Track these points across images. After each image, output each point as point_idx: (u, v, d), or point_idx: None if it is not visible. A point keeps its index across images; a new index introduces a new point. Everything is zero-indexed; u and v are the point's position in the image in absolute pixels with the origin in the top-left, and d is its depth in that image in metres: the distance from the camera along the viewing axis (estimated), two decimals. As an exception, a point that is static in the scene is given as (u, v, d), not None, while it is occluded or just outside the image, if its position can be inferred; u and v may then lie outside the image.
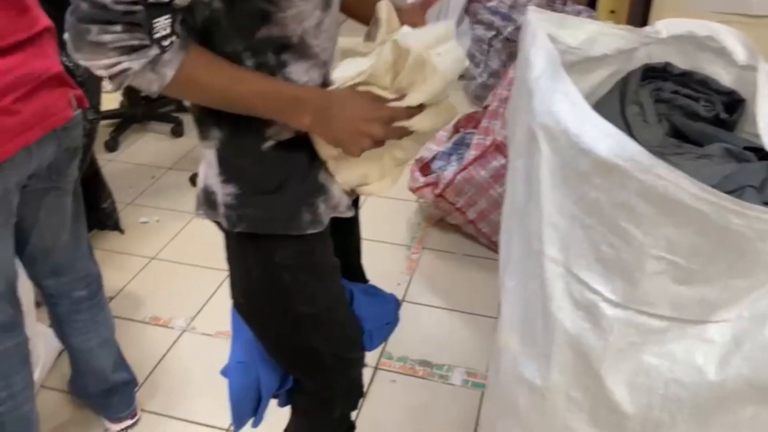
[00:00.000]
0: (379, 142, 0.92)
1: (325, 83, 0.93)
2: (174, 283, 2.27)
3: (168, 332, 2.04)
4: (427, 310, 2.12)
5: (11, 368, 1.38)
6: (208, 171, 0.95)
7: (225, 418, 1.72)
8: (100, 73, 0.78)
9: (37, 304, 1.75)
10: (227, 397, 1.21)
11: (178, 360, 1.94)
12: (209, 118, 0.92)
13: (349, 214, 1.02)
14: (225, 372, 1.25)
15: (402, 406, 1.77)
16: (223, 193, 0.94)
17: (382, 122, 0.90)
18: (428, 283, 2.24)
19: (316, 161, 0.95)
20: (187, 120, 3.30)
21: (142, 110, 3.29)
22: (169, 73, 0.80)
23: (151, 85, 0.80)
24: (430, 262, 2.35)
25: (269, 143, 0.92)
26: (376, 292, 1.24)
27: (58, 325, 1.55)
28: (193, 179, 2.80)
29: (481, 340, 1.98)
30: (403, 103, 0.90)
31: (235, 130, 0.91)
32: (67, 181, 1.39)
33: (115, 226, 2.15)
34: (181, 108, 3.38)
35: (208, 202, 0.97)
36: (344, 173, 0.97)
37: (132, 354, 1.74)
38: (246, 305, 1.06)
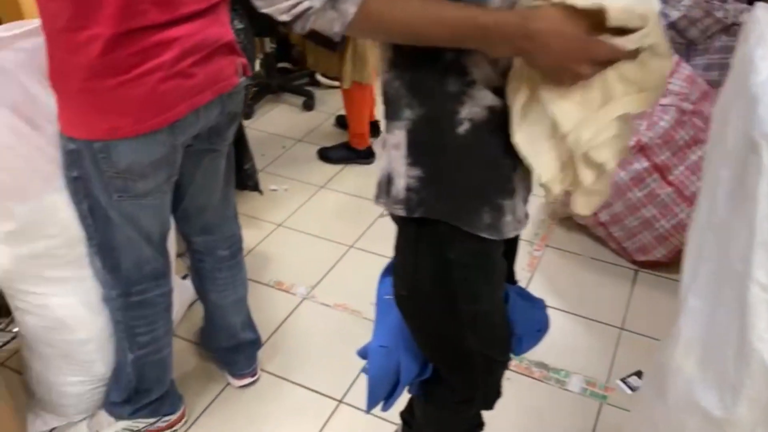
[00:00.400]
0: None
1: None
2: (297, 251, 2.34)
3: (289, 298, 2.11)
4: (548, 311, 2.05)
5: (157, 315, 1.48)
6: (394, 154, 0.93)
7: (338, 389, 1.77)
8: (282, 18, 0.78)
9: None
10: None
11: (298, 326, 2.00)
12: (403, 98, 0.90)
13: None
14: (364, 353, 1.26)
15: (515, 406, 1.72)
16: (407, 175, 0.91)
17: (594, 62, 0.78)
18: (549, 283, 2.17)
19: (510, 158, 0.90)
20: (320, 94, 3.38)
21: (278, 82, 3.40)
22: (350, 9, 0.78)
23: (333, 24, 0.79)
24: (553, 261, 2.27)
25: (464, 126, 0.89)
26: (529, 296, 1.21)
27: (200, 280, 1.64)
28: (321, 153, 2.87)
29: (604, 349, 1.90)
30: (628, 42, 0.76)
31: (429, 110, 0.89)
32: (224, 144, 1.45)
33: (255, 187, 2.26)
34: (314, 82, 3.46)
35: (388, 190, 0.95)
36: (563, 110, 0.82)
37: (255, 315, 1.81)
38: (408, 298, 1.04)
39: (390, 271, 1.21)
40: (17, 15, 1.94)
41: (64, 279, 1.47)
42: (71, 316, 1.52)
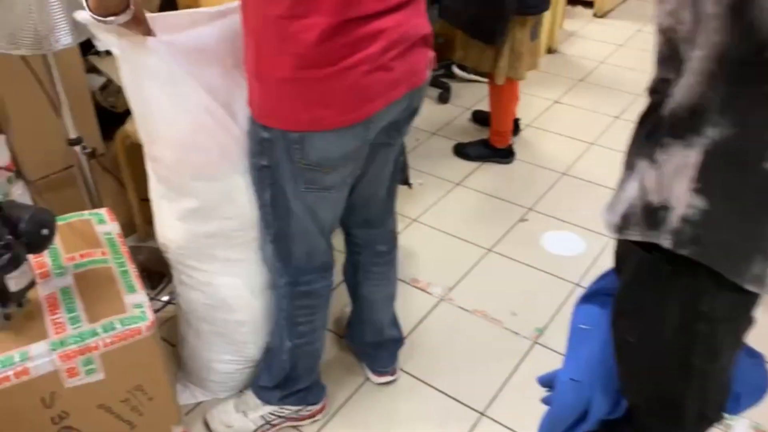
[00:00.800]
0: None
1: None
2: (433, 249, 2.29)
3: (426, 297, 2.06)
4: None
5: (319, 306, 1.47)
6: (670, 175, 0.82)
7: (480, 401, 1.71)
8: None
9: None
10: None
11: (436, 327, 1.95)
12: (710, 113, 0.77)
13: None
14: (547, 382, 1.19)
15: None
16: (688, 204, 0.81)
17: None
18: None
19: None
20: (456, 87, 3.31)
21: (413, 71, 3.35)
22: None
23: None
24: None
25: None
26: (752, 351, 1.10)
27: (353, 272, 1.61)
28: (457, 148, 2.80)
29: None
30: None
31: (739, 134, 0.77)
32: (400, 139, 1.41)
33: (405, 181, 2.23)
34: (450, 74, 3.38)
35: (648, 220, 0.85)
36: None
37: (394, 311, 1.78)
38: (637, 345, 0.94)
39: (589, 298, 1.13)
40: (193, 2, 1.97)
41: (233, 260, 1.49)
42: (234, 297, 1.53)
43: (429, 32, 1.26)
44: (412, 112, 1.35)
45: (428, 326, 1.96)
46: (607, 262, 2.18)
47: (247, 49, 1.19)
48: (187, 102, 1.28)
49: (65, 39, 1.49)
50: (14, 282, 1.18)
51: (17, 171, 1.90)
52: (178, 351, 1.74)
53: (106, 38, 1.20)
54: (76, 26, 1.46)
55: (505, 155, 2.72)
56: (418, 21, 1.23)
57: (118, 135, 2.02)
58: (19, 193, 1.93)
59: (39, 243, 1.31)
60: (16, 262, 1.18)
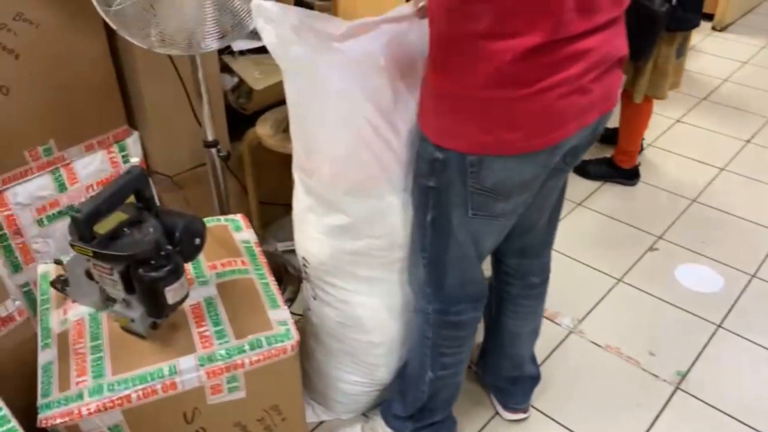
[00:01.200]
0: None
1: None
2: (557, 275, 2.12)
3: (554, 328, 1.93)
4: None
5: (466, 338, 1.38)
6: None
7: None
8: None
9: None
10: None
11: (566, 362, 1.82)
12: None
13: None
14: None
15: None
16: None
17: None
18: None
19: None
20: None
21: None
22: None
23: None
24: None
25: None
26: None
27: (498, 303, 1.51)
28: (577, 167, 2.64)
29: None
30: None
31: None
32: (573, 166, 1.29)
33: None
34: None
35: None
36: None
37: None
38: None
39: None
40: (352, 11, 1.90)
41: (374, 279, 1.41)
42: (370, 317, 1.46)
43: (626, 54, 1.14)
44: (593, 138, 1.24)
45: (558, 360, 1.83)
46: (749, 303, 2.02)
47: (432, 63, 1.10)
48: (352, 115, 1.20)
49: (213, 44, 1.46)
50: (172, 294, 1.14)
51: (148, 168, 1.89)
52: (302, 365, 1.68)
53: (280, 48, 1.15)
54: (228, 31, 1.43)
55: (630, 176, 2.56)
56: (619, 41, 1.11)
57: (246, 137, 1.99)
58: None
59: (191, 253, 1.27)
60: (176, 274, 1.13)
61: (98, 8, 1.31)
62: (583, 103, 1.07)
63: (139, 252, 1.09)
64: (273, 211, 2.28)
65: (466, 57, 1.02)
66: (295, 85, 1.20)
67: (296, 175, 1.39)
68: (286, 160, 1.79)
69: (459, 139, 1.10)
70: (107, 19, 1.33)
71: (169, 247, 1.16)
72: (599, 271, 2.14)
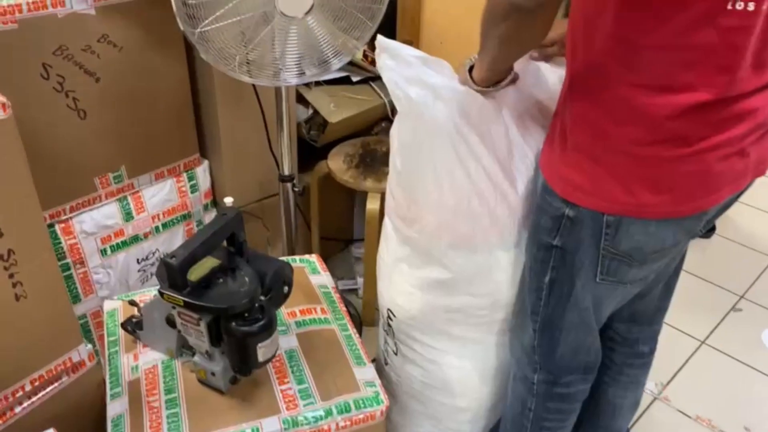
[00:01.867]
0: None
1: None
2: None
3: (637, 392, 1.79)
4: None
5: (571, 411, 1.25)
6: None
7: None
8: None
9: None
10: None
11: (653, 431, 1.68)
12: None
13: None
14: None
15: None
16: None
17: None
18: None
19: None
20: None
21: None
22: None
23: None
24: None
25: None
26: None
27: (600, 371, 1.37)
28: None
29: None
30: None
31: None
32: (705, 228, 1.17)
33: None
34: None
35: None
36: None
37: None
38: None
39: None
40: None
41: (468, 340, 1.29)
42: (459, 381, 1.34)
43: None
44: (725, 206, 1.12)
45: (644, 429, 1.68)
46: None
47: (568, 111, 0.99)
48: (467, 163, 1.10)
49: (293, 79, 1.39)
50: (263, 351, 1.03)
51: (213, 200, 1.80)
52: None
53: (400, 88, 1.05)
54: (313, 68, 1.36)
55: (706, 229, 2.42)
56: None
57: (316, 170, 1.90)
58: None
59: (279, 301, 1.17)
60: (269, 330, 1.02)
61: (182, 27, 1.23)
62: (740, 166, 0.95)
63: (237, 305, 0.99)
64: (331, 247, 2.18)
65: (617, 108, 0.92)
66: (410, 126, 1.10)
67: (391, 223, 1.28)
68: (349, 195, 1.70)
69: (595, 197, 0.98)
70: (192, 41, 1.25)
71: (263, 298, 1.06)
72: (680, 330, 1.99)
